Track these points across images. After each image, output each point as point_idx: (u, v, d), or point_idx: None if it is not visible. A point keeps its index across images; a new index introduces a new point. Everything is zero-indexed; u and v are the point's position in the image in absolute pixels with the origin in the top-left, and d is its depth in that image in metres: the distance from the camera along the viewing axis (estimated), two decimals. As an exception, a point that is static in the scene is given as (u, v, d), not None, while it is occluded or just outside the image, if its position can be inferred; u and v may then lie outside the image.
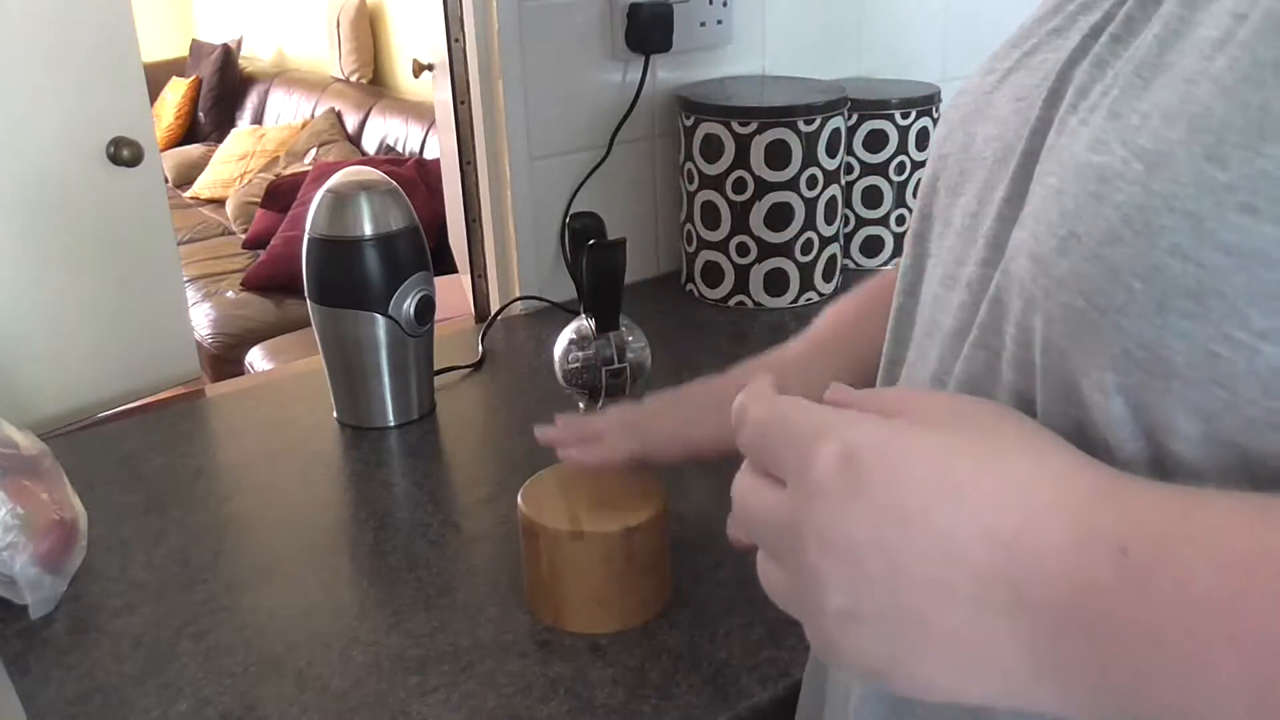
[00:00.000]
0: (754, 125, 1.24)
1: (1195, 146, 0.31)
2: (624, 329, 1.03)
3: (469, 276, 1.36)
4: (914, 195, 1.41)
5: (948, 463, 0.32)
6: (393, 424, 1.06)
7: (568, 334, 1.04)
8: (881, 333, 0.51)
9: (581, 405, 1.06)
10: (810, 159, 1.26)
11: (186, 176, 4.08)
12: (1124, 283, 0.31)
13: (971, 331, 0.40)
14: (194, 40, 4.62)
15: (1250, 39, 0.31)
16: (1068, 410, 0.35)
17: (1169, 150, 0.31)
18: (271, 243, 3.13)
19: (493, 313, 1.32)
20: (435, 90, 1.37)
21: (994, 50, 0.46)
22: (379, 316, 1.01)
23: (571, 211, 1.31)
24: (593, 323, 1.02)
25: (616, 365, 1.02)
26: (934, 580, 0.31)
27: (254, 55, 4.53)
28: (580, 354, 1.03)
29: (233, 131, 4.15)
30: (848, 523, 0.32)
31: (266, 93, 4.21)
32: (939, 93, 1.39)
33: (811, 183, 1.27)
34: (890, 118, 1.36)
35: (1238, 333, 0.30)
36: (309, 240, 1.02)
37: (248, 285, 3.06)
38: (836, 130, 1.27)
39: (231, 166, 3.91)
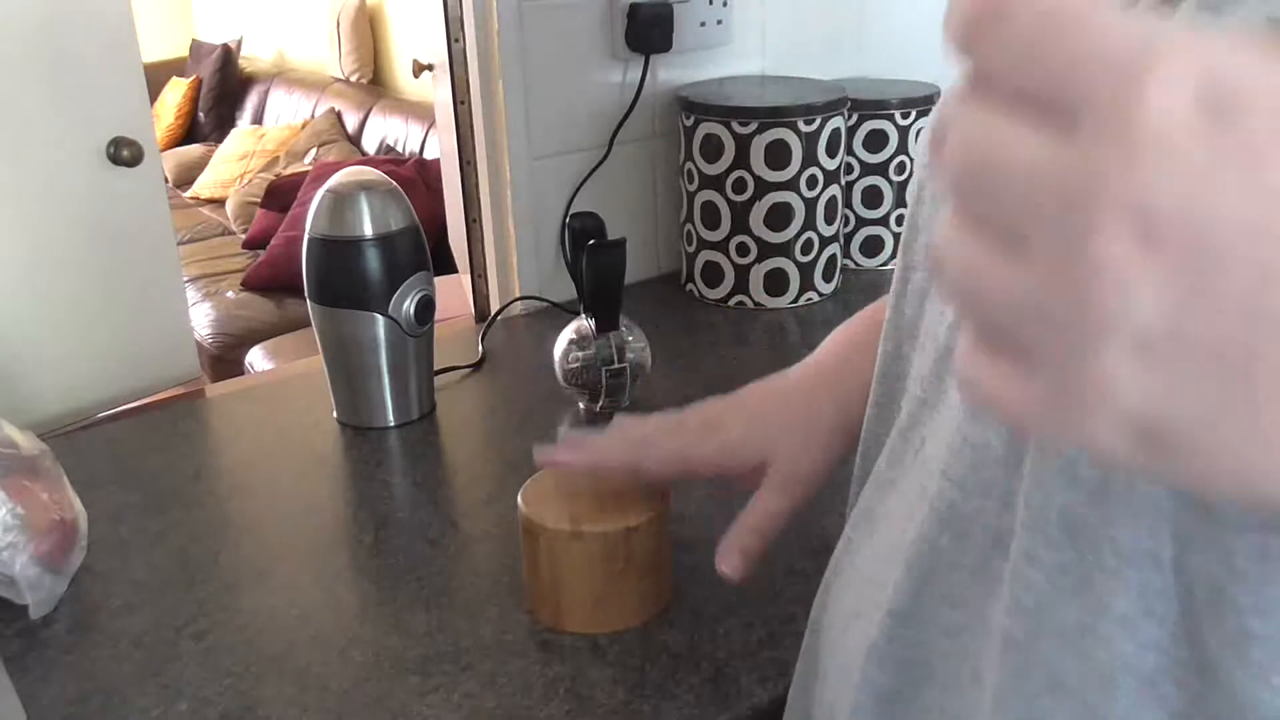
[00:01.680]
0: (754, 125, 1.24)
1: None
2: (624, 329, 1.03)
3: (469, 276, 1.36)
4: (914, 195, 1.42)
5: None
6: (393, 424, 1.06)
7: (568, 334, 1.04)
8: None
9: (581, 405, 1.06)
10: (810, 159, 1.26)
11: (186, 176, 4.07)
12: None
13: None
14: (194, 40, 4.62)
15: None
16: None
17: None
18: (271, 243, 3.13)
19: (493, 313, 1.32)
20: (435, 90, 1.37)
21: None
22: (379, 316, 1.01)
23: (571, 211, 1.31)
24: (593, 323, 1.02)
25: (616, 365, 1.02)
26: None
27: (254, 55, 4.53)
28: (580, 354, 1.03)
29: (233, 131, 4.15)
30: (1209, 201, 0.19)
31: (266, 93, 4.21)
32: (939, 93, 1.39)
33: (811, 183, 1.27)
34: (890, 118, 1.36)
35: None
36: (309, 240, 1.02)
37: (248, 285, 3.06)
38: (836, 130, 1.27)
39: (231, 166, 3.91)
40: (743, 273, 1.30)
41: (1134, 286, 0.20)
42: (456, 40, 1.25)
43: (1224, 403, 0.20)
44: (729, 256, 1.31)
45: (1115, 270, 0.20)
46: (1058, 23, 0.20)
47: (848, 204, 1.40)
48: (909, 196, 0.49)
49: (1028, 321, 0.21)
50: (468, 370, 1.18)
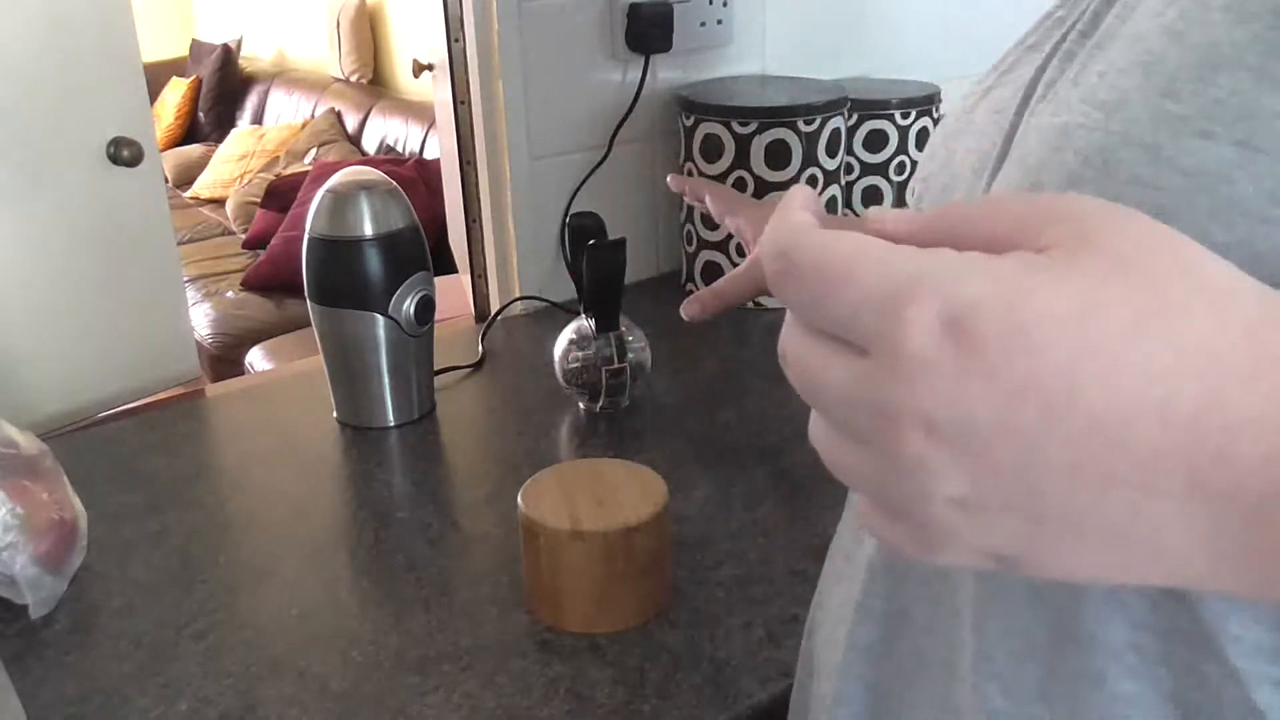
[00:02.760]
0: (754, 125, 1.24)
1: (1149, 89, 0.32)
2: (624, 329, 1.03)
3: (469, 276, 1.36)
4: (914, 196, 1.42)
5: (1093, 323, 0.24)
6: (393, 424, 1.06)
7: (567, 334, 1.04)
8: None
9: (581, 405, 1.06)
10: (810, 159, 1.26)
11: (186, 176, 4.07)
12: None
13: None
14: (194, 40, 4.62)
15: None
16: None
17: (1124, 96, 0.33)
18: (271, 243, 3.13)
19: (493, 313, 1.32)
20: (435, 90, 1.37)
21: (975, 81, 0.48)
22: (379, 316, 1.01)
23: (572, 212, 1.31)
24: (592, 323, 1.02)
25: (616, 365, 1.01)
26: (1085, 468, 0.25)
27: (254, 55, 4.53)
28: (580, 354, 1.03)
29: (233, 131, 4.15)
30: (964, 405, 0.25)
31: (266, 93, 4.21)
32: (939, 93, 1.39)
33: (811, 183, 1.27)
34: (890, 118, 1.36)
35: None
36: (309, 240, 1.02)
37: (248, 285, 3.06)
38: (836, 130, 1.27)
39: (231, 166, 3.91)
40: (743, 273, 1.30)
41: (936, 471, 0.26)
42: (456, 40, 1.25)
43: (1031, 535, 0.26)
44: (729, 256, 1.30)
45: (919, 462, 0.26)
46: (829, 276, 0.26)
47: (848, 204, 1.40)
48: (909, 198, 0.50)
49: (882, 491, 0.27)
50: (468, 370, 1.18)
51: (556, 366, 1.05)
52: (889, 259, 0.26)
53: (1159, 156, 0.32)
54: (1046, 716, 0.38)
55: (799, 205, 0.29)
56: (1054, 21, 0.42)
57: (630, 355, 1.03)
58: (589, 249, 0.98)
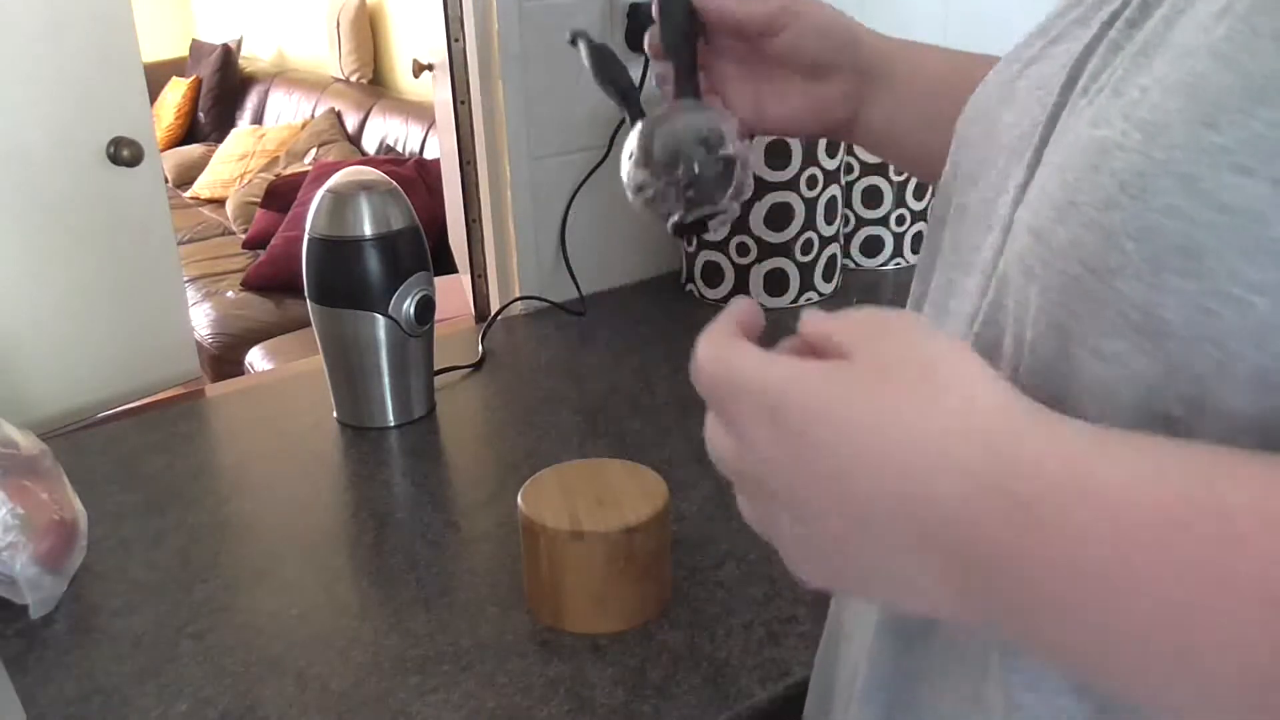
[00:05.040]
0: (754, 125, 1.23)
1: (1192, 114, 0.32)
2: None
3: (469, 276, 1.36)
4: (914, 195, 1.41)
5: (857, 418, 0.34)
6: (393, 424, 1.06)
7: (636, 131, 0.66)
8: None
9: (672, 219, 0.65)
10: (810, 159, 1.26)
11: (186, 176, 4.08)
12: (1118, 245, 0.32)
13: (981, 311, 0.40)
14: (194, 40, 4.62)
15: (1247, 10, 0.31)
16: (1051, 381, 0.36)
17: (1166, 119, 0.32)
18: (271, 243, 3.13)
19: (493, 313, 1.32)
20: (435, 90, 1.37)
21: (1018, 43, 0.47)
22: (379, 316, 1.01)
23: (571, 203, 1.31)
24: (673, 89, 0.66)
25: (719, 151, 0.62)
26: (859, 526, 0.34)
27: (254, 55, 4.53)
28: (671, 130, 0.63)
29: (233, 131, 4.15)
30: (781, 475, 0.36)
31: (266, 93, 4.21)
32: (939, 93, 1.39)
33: (811, 183, 1.27)
34: (890, 118, 1.36)
35: (1232, 288, 0.30)
36: (309, 240, 1.02)
37: (248, 285, 3.06)
38: (836, 130, 1.27)
39: (231, 166, 3.91)
40: (743, 272, 1.30)
41: (775, 520, 0.38)
42: (456, 40, 1.25)
43: (842, 569, 0.36)
44: (729, 256, 1.30)
45: (769, 510, 0.38)
46: (714, 374, 0.37)
47: (848, 204, 1.40)
48: (929, 215, 0.49)
49: (748, 503, 0.40)
50: (468, 370, 1.18)
51: (627, 169, 0.66)
52: (750, 363, 0.36)
53: (1196, 189, 0.31)
54: (1075, 708, 0.38)
55: (723, 325, 0.39)
56: None
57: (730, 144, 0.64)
58: None
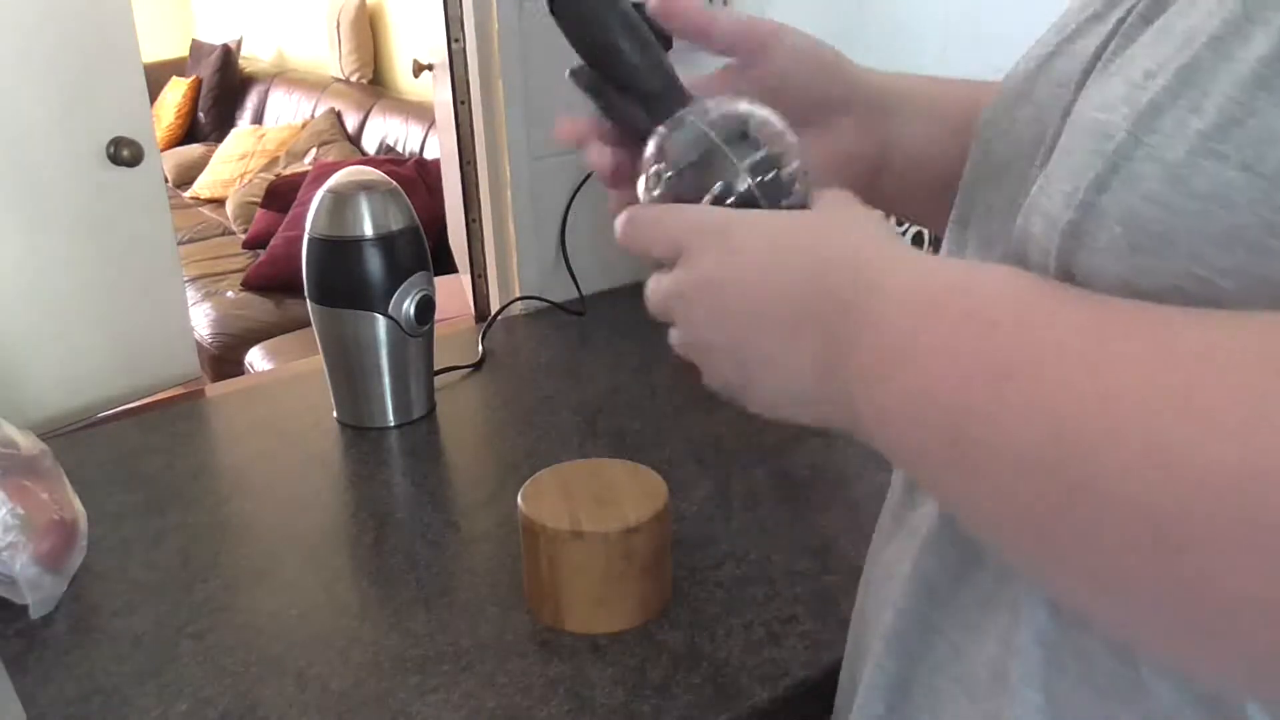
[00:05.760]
0: (754, 125, 1.23)
1: (1183, 98, 0.32)
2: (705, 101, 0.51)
3: (469, 276, 1.36)
4: (914, 195, 1.41)
5: (782, 239, 0.44)
6: (393, 424, 1.06)
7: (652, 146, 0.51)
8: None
9: None
10: (810, 159, 1.25)
11: (186, 176, 4.07)
12: (1108, 227, 0.33)
13: None
14: (194, 40, 4.62)
15: None
16: None
17: (1159, 103, 0.33)
18: (271, 243, 3.13)
19: (493, 313, 1.32)
20: (435, 90, 1.37)
21: (1037, 39, 0.47)
22: (379, 316, 1.01)
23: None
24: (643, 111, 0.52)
25: (756, 154, 0.47)
26: (754, 319, 0.42)
27: (254, 55, 4.53)
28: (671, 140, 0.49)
29: (233, 131, 4.15)
30: (711, 287, 0.44)
31: (266, 93, 4.21)
32: (939, 93, 1.39)
33: (811, 183, 1.27)
34: (890, 118, 1.35)
35: (1200, 270, 0.31)
36: (309, 240, 1.02)
37: (248, 285, 3.06)
38: (836, 130, 1.27)
39: (231, 166, 3.91)
40: (743, 273, 1.30)
41: (698, 335, 0.45)
42: (456, 40, 1.25)
43: (741, 368, 0.44)
44: (729, 256, 1.30)
45: (689, 334, 0.46)
46: (646, 226, 0.48)
47: (848, 204, 1.40)
48: (964, 176, 0.49)
49: (675, 332, 0.47)
50: (468, 370, 1.18)
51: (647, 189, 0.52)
52: (680, 217, 0.46)
53: (1176, 176, 0.32)
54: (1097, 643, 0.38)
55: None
56: None
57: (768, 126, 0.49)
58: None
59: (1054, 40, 0.44)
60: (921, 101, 0.58)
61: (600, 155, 0.53)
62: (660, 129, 0.50)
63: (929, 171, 0.57)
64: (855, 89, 0.55)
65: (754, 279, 0.42)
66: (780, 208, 0.46)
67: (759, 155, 0.47)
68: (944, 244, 0.50)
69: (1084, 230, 0.34)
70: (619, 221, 0.48)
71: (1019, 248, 0.39)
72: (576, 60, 0.52)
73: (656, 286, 0.46)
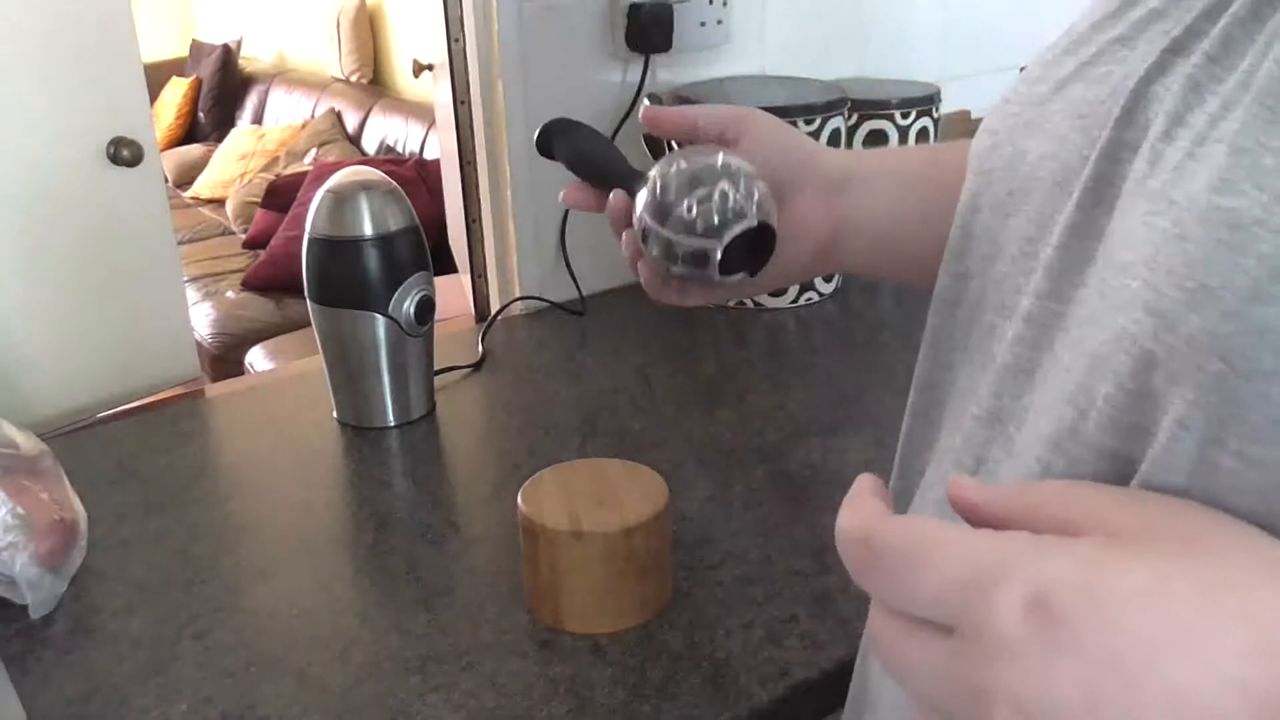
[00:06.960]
0: (754, 125, 1.23)
1: None
2: (674, 155, 0.59)
3: (469, 276, 1.36)
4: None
5: (1167, 601, 0.26)
6: (393, 424, 1.06)
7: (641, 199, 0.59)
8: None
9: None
10: (810, 159, 1.26)
11: (186, 176, 4.07)
12: (1272, 345, 0.28)
13: (1039, 376, 0.37)
14: (194, 40, 4.62)
15: None
16: (1178, 479, 0.31)
17: None
18: (271, 243, 3.13)
19: (493, 313, 1.32)
20: (435, 90, 1.37)
21: (1039, 56, 0.42)
22: (379, 316, 1.01)
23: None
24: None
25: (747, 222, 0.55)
26: None
27: (254, 55, 4.53)
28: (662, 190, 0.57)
29: (233, 131, 4.15)
30: (1053, 684, 0.26)
31: (266, 93, 4.21)
32: (939, 93, 1.39)
33: (811, 183, 1.27)
34: (890, 118, 1.36)
35: None
36: (309, 240, 1.02)
37: (248, 285, 3.07)
38: (836, 130, 1.27)
39: (231, 166, 3.91)
40: (743, 273, 1.30)
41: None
42: (456, 40, 1.25)
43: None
44: (729, 256, 1.30)
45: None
46: (912, 562, 0.28)
47: (848, 204, 1.40)
48: (960, 206, 0.45)
49: None
50: (468, 370, 1.18)
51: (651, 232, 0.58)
52: (969, 542, 0.28)
53: None
54: None
55: (869, 493, 0.31)
56: (1146, 13, 0.37)
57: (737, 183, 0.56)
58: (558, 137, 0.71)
59: (1069, 64, 0.39)
60: (887, 171, 0.61)
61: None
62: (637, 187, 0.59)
63: (899, 234, 0.60)
64: (812, 170, 0.59)
65: (1155, 690, 0.26)
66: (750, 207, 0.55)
67: (703, 190, 0.55)
68: (938, 284, 0.46)
69: (1230, 347, 0.28)
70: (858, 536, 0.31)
71: (1089, 333, 0.34)
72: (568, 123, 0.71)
73: (914, 655, 0.29)
